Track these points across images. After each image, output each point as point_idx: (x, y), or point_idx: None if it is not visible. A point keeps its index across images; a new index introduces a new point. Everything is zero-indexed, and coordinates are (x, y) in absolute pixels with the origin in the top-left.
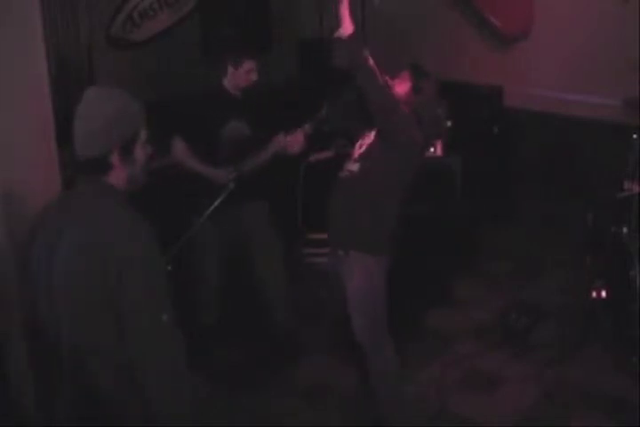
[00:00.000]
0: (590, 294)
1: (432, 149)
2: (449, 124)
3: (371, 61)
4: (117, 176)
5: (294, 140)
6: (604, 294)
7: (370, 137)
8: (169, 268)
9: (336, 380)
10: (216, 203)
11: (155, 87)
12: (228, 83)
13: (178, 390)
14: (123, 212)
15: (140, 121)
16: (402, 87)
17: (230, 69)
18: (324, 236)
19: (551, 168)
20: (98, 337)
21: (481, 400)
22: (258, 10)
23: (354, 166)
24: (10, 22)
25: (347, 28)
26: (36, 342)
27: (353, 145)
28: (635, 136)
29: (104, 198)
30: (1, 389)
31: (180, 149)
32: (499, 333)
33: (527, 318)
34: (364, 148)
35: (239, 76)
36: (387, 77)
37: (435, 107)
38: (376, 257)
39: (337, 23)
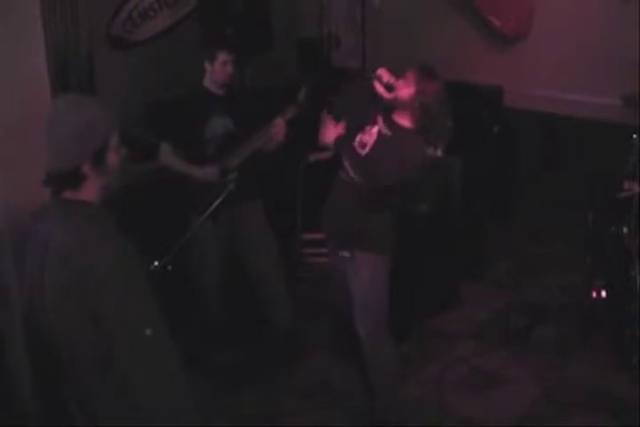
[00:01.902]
0: (590, 294)
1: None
2: (449, 124)
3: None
4: (91, 187)
5: (277, 127)
6: (603, 294)
7: (371, 134)
8: (169, 268)
9: (336, 379)
10: (216, 203)
11: (155, 87)
12: (207, 81)
13: (175, 404)
14: (92, 232)
15: (110, 127)
16: (406, 90)
17: (207, 66)
18: (324, 236)
19: (551, 168)
20: (86, 349)
21: (481, 400)
22: (258, 9)
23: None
24: (10, 22)
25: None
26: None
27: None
28: (635, 136)
29: (77, 219)
30: (1, 386)
31: (165, 152)
32: (499, 333)
33: (527, 318)
34: (366, 149)
35: (216, 70)
36: (392, 79)
37: (441, 113)
38: (379, 257)
39: (336, 23)
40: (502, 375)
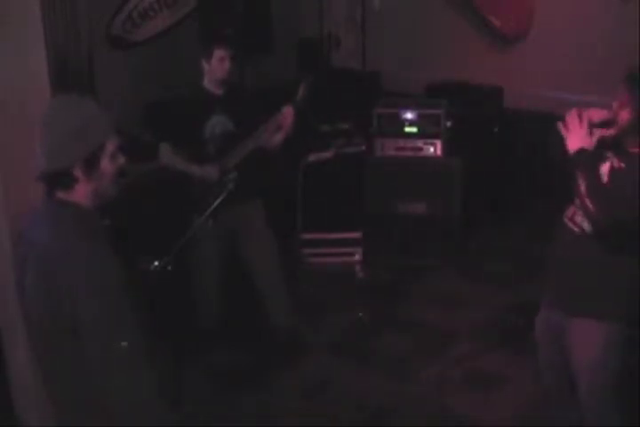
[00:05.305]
0: None
1: (431, 149)
2: (449, 124)
3: None
4: (82, 190)
5: (285, 115)
6: None
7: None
8: (169, 268)
9: (336, 379)
10: (216, 203)
11: (155, 87)
12: (207, 81)
13: (146, 420)
14: (77, 238)
15: (106, 133)
16: (624, 114)
17: (205, 66)
18: (322, 236)
19: (551, 168)
20: (61, 356)
21: (481, 400)
22: (258, 9)
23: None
24: (10, 22)
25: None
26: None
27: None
28: None
29: (62, 221)
30: (1, 386)
31: (165, 152)
32: (499, 333)
33: (527, 317)
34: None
35: (213, 68)
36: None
37: None
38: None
39: (336, 24)
40: (502, 375)
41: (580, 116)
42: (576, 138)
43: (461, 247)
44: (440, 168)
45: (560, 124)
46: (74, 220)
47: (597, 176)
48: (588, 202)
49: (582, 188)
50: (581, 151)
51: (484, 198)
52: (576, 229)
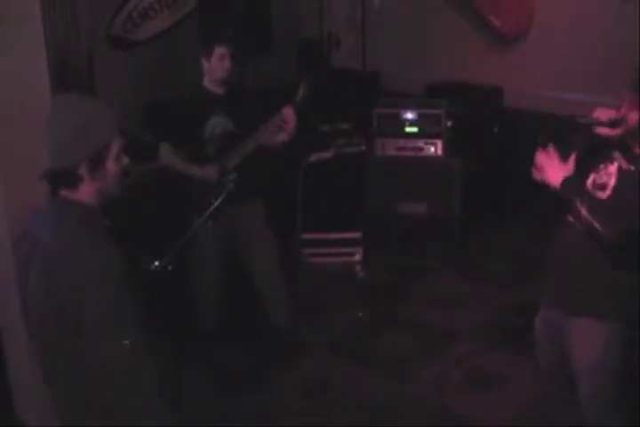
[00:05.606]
0: None
1: (432, 149)
2: (449, 124)
3: None
4: (87, 190)
5: (286, 116)
6: None
7: (609, 174)
8: (169, 268)
9: (336, 379)
10: (216, 203)
11: (155, 87)
12: (207, 81)
13: (147, 419)
14: (80, 237)
15: (111, 132)
16: (633, 116)
17: (205, 65)
18: (322, 236)
19: None
20: (65, 360)
21: (481, 400)
22: (258, 9)
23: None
24: (10, 22)
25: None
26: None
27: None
28: None
29: (66, 220)
30: (2, 386)
31: (165, 152)
32: (499, 333)
33: (527, 317)
34: (607, 191)
35: (214, 66)
36: (613, 113)
37: None
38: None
39: (336, 24)
40: (502, 375)
41: (546, 152)
42: (554, 172)
43: (461, 247)
44: (440, 168)
45: (533, 171)
46: (77, 219)
47: (593, 192)
48: (594, 223)
49: (583, 211)
50: (566, 180)
51: (484, 198)
52: (577, 224)
